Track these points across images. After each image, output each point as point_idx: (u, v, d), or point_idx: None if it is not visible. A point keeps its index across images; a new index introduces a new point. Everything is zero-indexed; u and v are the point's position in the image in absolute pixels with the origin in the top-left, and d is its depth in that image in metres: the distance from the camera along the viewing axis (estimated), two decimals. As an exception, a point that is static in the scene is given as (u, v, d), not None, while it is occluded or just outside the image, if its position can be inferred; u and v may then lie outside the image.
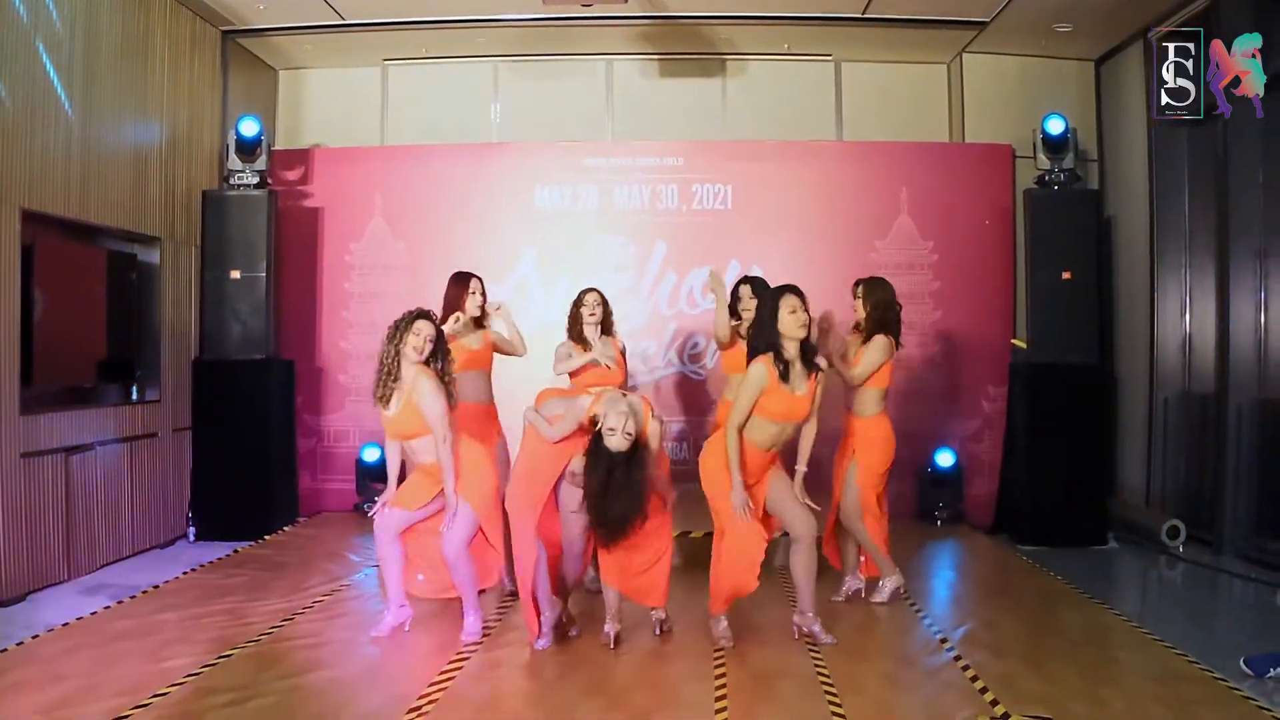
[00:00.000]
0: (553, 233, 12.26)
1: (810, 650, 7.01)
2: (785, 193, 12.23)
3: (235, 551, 10.13)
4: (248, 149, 11.32)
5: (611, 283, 11.90)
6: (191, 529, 10.95)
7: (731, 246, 12.17)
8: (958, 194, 12.23)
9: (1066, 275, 11.15)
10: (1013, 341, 11.82)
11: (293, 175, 12.46)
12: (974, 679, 6.40)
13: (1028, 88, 12.49)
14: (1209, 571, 9.75)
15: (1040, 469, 10.96)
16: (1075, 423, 10.95)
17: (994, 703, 5.94)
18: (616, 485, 6.65)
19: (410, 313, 7.10)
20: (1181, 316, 11.32)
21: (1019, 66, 12.56)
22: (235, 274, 11.23)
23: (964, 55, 12.58)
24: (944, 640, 7.29)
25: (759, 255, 12.11)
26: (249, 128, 11.26)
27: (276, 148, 12.46)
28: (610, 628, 7.15)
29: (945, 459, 11.78)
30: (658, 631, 7.39)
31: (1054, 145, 11.25)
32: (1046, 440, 10.96)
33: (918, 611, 8.11)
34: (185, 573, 9.25)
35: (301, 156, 12.60)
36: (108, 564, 9.65)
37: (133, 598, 8.31)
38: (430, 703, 5.96)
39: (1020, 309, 11.96)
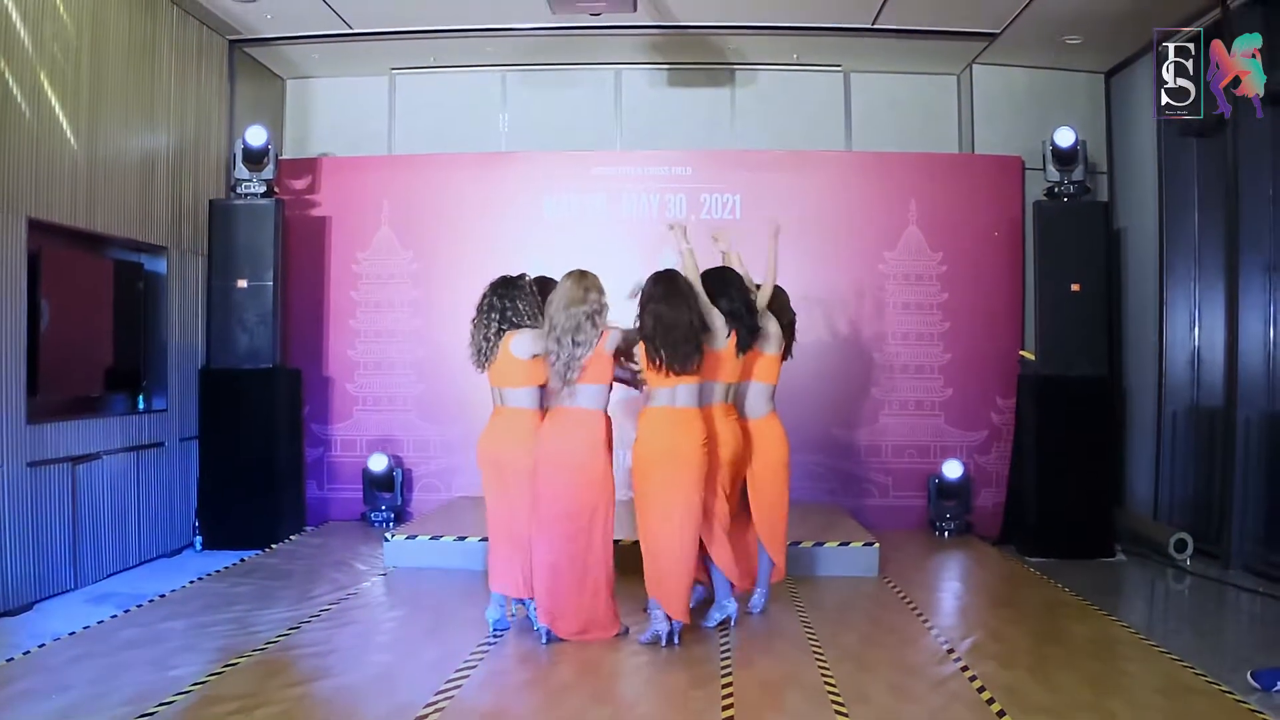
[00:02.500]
0: (561, 241, 12.14)
1: (818, 660, 6.99)
2: (794, 203, 12.14)
3: (242, 560, 10.12)
4: (255, 158, 11.31)
5: (618, 291, 11.94)
6: (198, 538, 10.94)
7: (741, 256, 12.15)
8: (967, 205, 12.20)
9: (1075, 287, 11.11)
10: (1021, 353, 11.81)
11: (300, 184, 12.46)
12: (981, 690, 6.38)
13: (1037, 99, 12.50)
14: (1216, 585, 9.71)
15: (1048, 481, 10.93)
16: (1083, 435, 10.92)
17: (1001, 714, 5.92)
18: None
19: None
20: (1191, 329, 11.30)
21: (1029, 78, 12.56)
22: (242, 283, 11.23)
23: (974, 66, 12.57)
24: (951, 651, 7.27)
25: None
26: (256, 136, 11.24)
27: (284, 157, 12.49)
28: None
29: (953, 470, 11.74)
30: (676, 642, 7.31)
31: (1063, 157, 11.23)
32: (1054, 452, 10.93)
33: (924, 622, 8.10)
34: (192, 581, 9.23)
35: (309, 165, 12.60)
36: (114, 573, 9.66)
37: (139, 606, 8.29)
38: (436, 711, 5.95)
39: (1029, 321, 11.90)
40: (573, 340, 7.09)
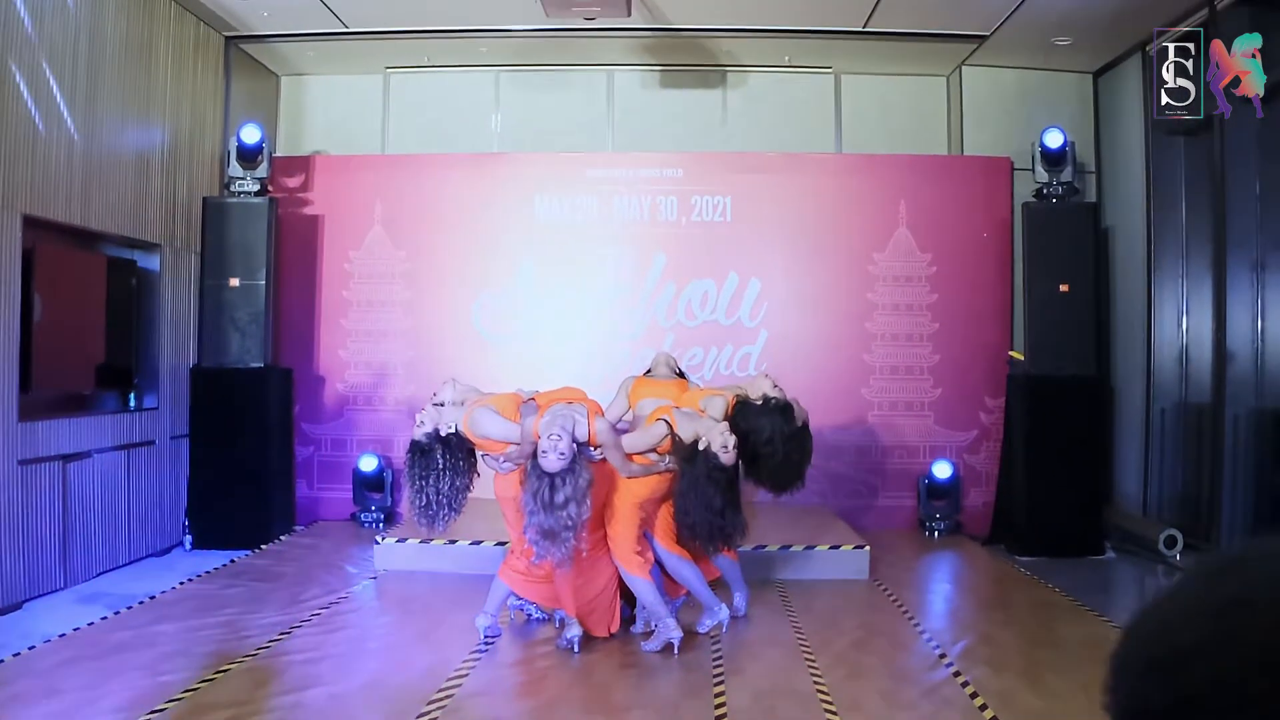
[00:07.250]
0: (552, 243, 12.25)
1: (810, 666, 7.02)
2: (784, 205, 12.23)
3: (232, 561, 10.12)
4: (249, 156, 11.31)
5: (609, 293, 12.00)
6: (188, 537, 10.93)
7: (730, 258, 12.17)
8: (956, 206, 12.23)
9: (1064, 287, 11.17)
10: (1010, 354, 11.84)
11: (293, 182, 12.44)
12: (973, 695, 6.42)
13: (1026, 100, 12.51)
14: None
15: (1037, 480, 10.97)
16: (1072, 434, 10.97)
17: (993, 721, 5.95)
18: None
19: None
20: (1178, 326, 11.34)
21: (1018, 79, 12.57)
22: (234, 281, 11.21)
23: (963, 68, 12.58)
24: (943, 655, 7.31)
25: (757, 268, 12.17)
26: (250, 134, 11.24)
27: (277, 154, 12.46)
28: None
29: (942, 470, 11.78)
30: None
31: (1052, 158, 11.28)
32: (1044, 451, 10.98)
33: (916, 626, 8.14)
34: (182, 583, 9.24)
35: (302, 164, 12.58)
36: (104, 572, 9.64)
37: (130, 608, 8.30)
38: (429, 719, 5.97)
39: (1018, 321, 11.97)
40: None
